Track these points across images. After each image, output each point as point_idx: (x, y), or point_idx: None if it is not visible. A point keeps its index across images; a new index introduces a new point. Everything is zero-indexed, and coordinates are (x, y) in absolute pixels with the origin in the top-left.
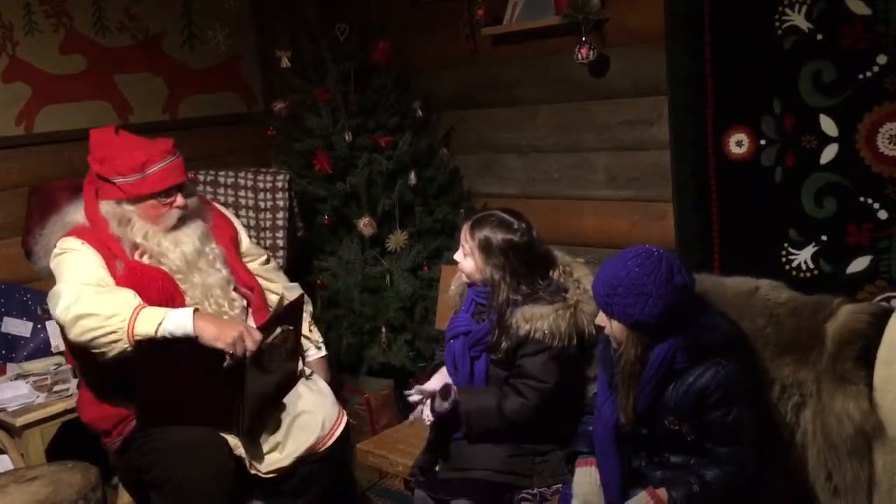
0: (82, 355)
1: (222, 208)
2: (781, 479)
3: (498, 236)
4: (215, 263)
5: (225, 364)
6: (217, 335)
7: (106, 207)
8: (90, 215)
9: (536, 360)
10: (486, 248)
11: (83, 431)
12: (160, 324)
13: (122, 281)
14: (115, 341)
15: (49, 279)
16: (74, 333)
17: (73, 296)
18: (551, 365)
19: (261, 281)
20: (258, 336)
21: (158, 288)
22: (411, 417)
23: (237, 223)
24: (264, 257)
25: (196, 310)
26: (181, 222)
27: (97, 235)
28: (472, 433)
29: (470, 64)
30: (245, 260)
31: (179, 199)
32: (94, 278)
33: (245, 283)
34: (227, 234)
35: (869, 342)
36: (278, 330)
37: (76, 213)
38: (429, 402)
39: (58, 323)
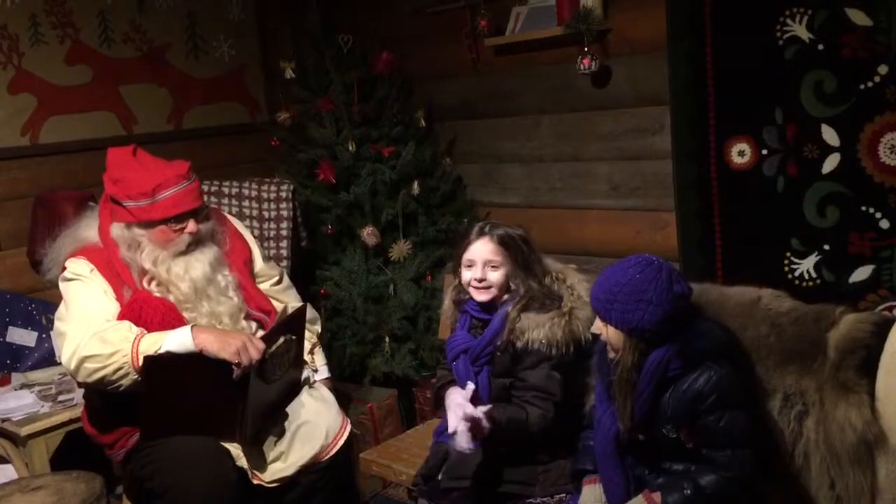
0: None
1: (238, 225)
2: (784, 488)
3: (512, 232)
4: (227, 291)
5: (234, 375)
6: (221, 346)
7: (116, 231)
8: (103, 236)
9: (539, 373)
10: (508, 242)
11: (87, 441)
12: (159, 349)
13: (125, 310)
14: (124, 375)
15: (56, 289)
16: (82, 377)
17: (74, 342)
18: (554, 375)
19: (272, 302)
20: (261, 345)
21: (160, 321)
22: (456, 450)
23: (252, 242)
24: (276, 278)
25: (194, 326)
26: (193, 247)
27: (107, 258)
28: (503, 444)
29: (473, 74)
30: (257, 281)
31: (191, 225)
32: (98, 312)
33: (259, 307)
34: (241, 258)
35: (871, 351)
36: (281, 339)
37: (89, 230)
38: (467, 427)
39: (67, 370)
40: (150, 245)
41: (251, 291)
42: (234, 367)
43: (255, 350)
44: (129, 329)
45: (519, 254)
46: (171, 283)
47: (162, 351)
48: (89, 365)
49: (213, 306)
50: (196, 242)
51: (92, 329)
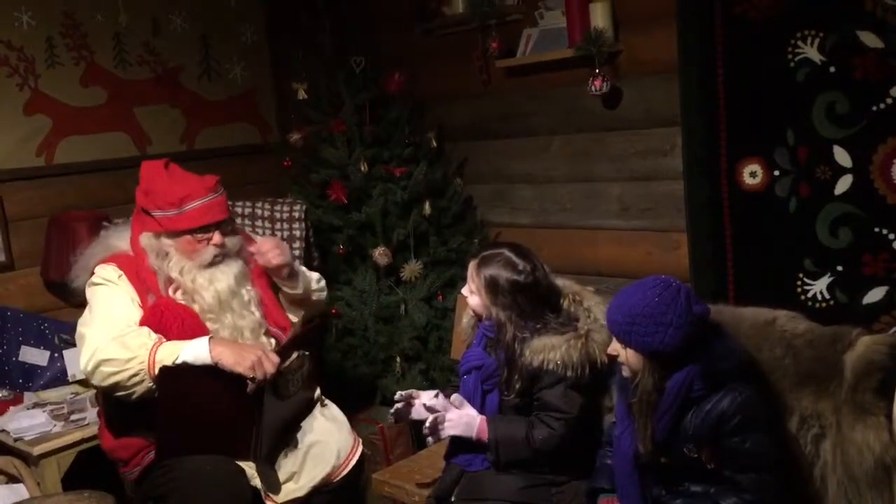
0: None
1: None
2: None
3: (503, 276)
4: (249, 306)
5: (248, 390)
6: (237, 360)
7: (145, 240)
8: (134, 245)
9: (556, 392)
10: (492, 287)
11: (100, 460)
12: (176, 359)
13: (147, 314)
14: (139, 382)
15: (69, 308)
16: (97, 380)
17: (94, 345)
18: (571, 394)
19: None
20: (276, 359)
21: (179, 326)
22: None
23: None
24: None
25: (211, 337)
26: (219, 259)
27: (136, 266)
28: (500, 461)
29: (484, 95)
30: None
31: (217, 237)
32: (122, 318)
33: (277, 324)
34: (265, 274)
35: (888, 374)
36: (294, 355)
37: (120, 239)
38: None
39: (84, 372)
40: (177, 255)
41: (270, 308)
42: (248, 381)
43: (271, 364)
44: (148, 335)
45: (503, 297)
46: (196, 292)
47: (179, 361)
48: (105, 368)
49: (235, 319)
50: (222, 256)
51: (112, 333)
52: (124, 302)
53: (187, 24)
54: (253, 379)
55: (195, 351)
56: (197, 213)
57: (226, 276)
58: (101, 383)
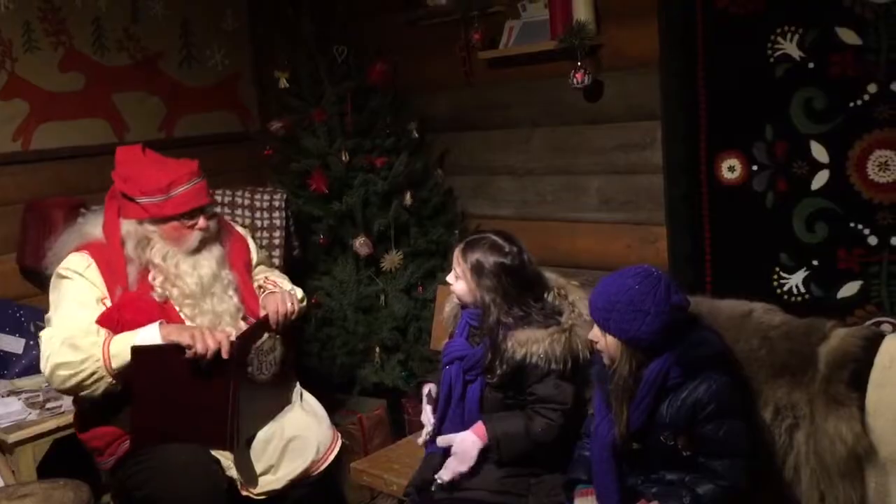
0: None
1: (238, 227)
2: (773, 501)
3: (489, 259)
4: (228, 290)
5: (185, 355)
6: (179, 333)
7: (127, 227)
8: (108, 232)
9: (547, 384)
10: (477, 270)
11: (75, 449)
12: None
13: (111, 309)
14: (99, 379)
15: (46, 295)
16: (56, 384)
17: (48, 351)
18: (563, 385)
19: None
20: (220, 336)
21: (144, 322)
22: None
23: (250, 242)
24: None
25: (161, 322)
26: (201, 245)
27: (108, 256)
28: (504, 457)
29: (465, 86)
30: (255, 272)
31: (202, 222)
32: (76, 320)
33: (253, 313)
34: (241, 259)
35: (861, 366)
36: (265, 336)
37: (94, 227)
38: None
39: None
40: (161, 241)
41: (246, 294)
42: (185, 350)
43: (213, 340)
44: (97, 333)
45: (489, 281)
46: (180, 277)
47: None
48: (62, 372)
49: (215, 304)
50: (205, 241)
51: (61, 337)
52: (83, 299)
53: (167, 10)
54: (193, 351)
55: (147, 338)
56: (184, 198)
57: (208, 261)
58: (62, 386)
